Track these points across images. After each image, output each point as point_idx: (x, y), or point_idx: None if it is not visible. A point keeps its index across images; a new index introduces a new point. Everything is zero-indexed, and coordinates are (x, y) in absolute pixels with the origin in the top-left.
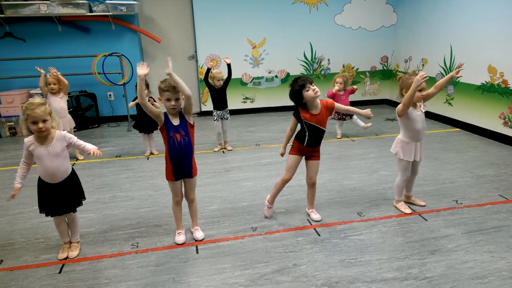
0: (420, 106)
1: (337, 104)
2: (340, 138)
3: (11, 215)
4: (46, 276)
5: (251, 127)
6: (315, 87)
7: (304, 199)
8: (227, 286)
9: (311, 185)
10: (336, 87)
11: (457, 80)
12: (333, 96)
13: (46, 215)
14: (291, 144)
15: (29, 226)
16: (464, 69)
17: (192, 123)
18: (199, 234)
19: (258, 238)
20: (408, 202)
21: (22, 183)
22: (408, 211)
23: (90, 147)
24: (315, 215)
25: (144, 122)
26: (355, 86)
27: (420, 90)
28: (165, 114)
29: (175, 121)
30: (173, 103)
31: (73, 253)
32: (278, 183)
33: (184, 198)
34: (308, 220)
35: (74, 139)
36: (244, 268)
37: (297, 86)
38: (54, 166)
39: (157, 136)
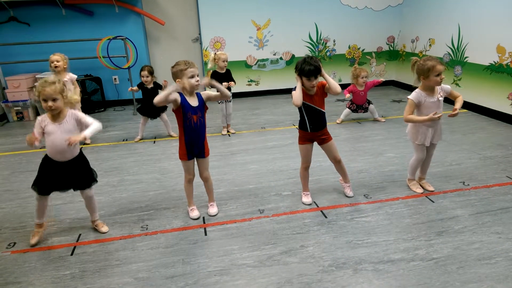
0: (439, 93)
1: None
2: (339, 123)
3: (22, 199)
4: (59, 258)
5: (256, 110)
6: (318, 80)
7: (311, 181)
8: (236, 267)
9: (337, 162)
10: (361, 81)
11: (465, 60)
12: (352, 92)
13: (38, 193)
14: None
15: None
16: (472, 49)
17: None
18: (213, 210)
19: (265, 220)
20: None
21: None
22: (420, 190)
23: (87, 132)
24: (349, 192)
25: (149, 106)
26: (381, 79)
27: (438, 75)
28: (181, 95)
29: (193, 102)
30: (197, 78)
31: (103, 229)
32: (301, 173)
33: (196, 177)
34: (314, 202)
35: (83, 115)
36: (252, 250)
37: (304, 71)
38: (64, 143)
39: (155, 122)
